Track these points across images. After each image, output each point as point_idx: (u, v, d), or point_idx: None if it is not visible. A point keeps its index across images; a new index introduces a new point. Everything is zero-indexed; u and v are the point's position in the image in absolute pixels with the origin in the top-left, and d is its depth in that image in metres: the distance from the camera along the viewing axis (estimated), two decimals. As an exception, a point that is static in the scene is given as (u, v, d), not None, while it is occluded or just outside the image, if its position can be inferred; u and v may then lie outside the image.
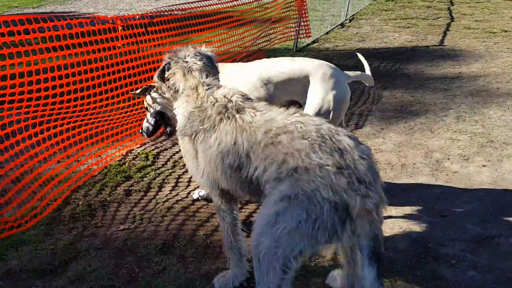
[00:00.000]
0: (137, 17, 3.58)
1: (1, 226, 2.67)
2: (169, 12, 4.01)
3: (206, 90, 2.14)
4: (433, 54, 7.00)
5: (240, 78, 2.85)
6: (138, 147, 4.03)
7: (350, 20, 10.58)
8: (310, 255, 1.72)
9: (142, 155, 3.85)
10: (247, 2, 5.83)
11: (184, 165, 3.60)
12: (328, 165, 1.64)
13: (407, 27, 9.32)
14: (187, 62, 2.24)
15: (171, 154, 3.91)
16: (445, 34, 8.49)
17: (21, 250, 2.63)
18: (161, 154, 3.90)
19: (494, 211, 2.79)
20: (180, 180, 3.45)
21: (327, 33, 9.17)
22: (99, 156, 3.68)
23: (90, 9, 16.91)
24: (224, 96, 2.08)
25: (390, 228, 2.70)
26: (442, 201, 2.96)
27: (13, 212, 2.79)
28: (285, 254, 1.68)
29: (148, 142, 4.13)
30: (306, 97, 2.76)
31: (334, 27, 9.69)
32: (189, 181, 3.41)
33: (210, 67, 2.27)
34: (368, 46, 7.84)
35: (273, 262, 1.70)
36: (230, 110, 2.01)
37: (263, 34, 6.30)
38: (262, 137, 1.85)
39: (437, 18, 10.21)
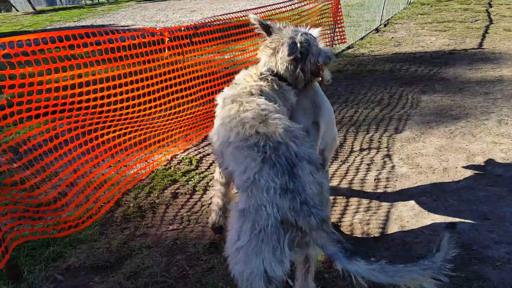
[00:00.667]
0: (182, 28, 3.76)
1: (61, 225, 2.87)
2: (211, 23, 4.17)
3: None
4: (472, 57, 6.89)
5: None
6: (182, 153, 4.20)
7: (385, 25, 10.52)
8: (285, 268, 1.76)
9: (186, 160, 4.01)
10: (283, 11, 5.95)
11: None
12: (275, 187, 1.71)
13: (444, 31, 9.18)
14: None
15: (213, 158, 4.05)
16: (483, 36, 8.32)
17: (79, 248, 2.82)
18: (203, 159, 4.05)
19: (541, 215, 2.77)
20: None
21: (362, 38, 9.16)
22: (146, 161, 3.87)
23: (128, 21, 17.56)
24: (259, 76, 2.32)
25: (433, 231, 2.72)
26: (485, 204, 2.95)
27: (71, 213, 3.00)
28: (257, 274, 1.72)
29: (191, 148, 4.30)
30: None
31: (369, 32, 9.67)
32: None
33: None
34: (404, 50, 7.80)
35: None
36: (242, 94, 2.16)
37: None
38: (233, 139, 1.94)
39: (475, 20, 10.00)
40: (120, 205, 3.31)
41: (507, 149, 3.68)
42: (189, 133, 4.33)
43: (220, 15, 4.56)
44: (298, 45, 2.28)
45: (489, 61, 6.53)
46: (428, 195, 3.12)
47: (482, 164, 3.49)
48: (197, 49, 3.95)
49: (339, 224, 2.89)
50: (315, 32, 2.42)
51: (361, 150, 3.99)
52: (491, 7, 11.60)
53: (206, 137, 4.56)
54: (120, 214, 3.18)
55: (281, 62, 2.31)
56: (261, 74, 2.32)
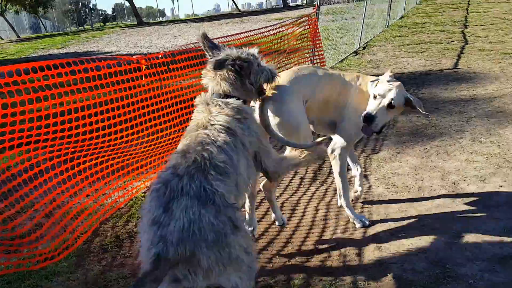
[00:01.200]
0: (160, 56, 3.82)
1: (37, 258, 2.83)
2: (189, 50, 4.25)
3: None
4: (448, 77, 7.08)
5: None
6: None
7: (364, 48, 10.78)
8: None
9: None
10: (266, 35, 6.08)
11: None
12: (147, 218, 1.82)
13: (421, 52, 9.44)
14: None
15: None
16: (459, 57, 8.58)
17: (55, 281, 2.78)
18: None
19: (511, 231, 2.82)
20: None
21: (341, 61, 9.37)
22: (125, 189, 3.86)
23: (112, 47, 17.69)
24: None
25: (408, 249, 2.75)
26: (459, 221, 3.00)
27: (47, 245, 2.96)
28: None
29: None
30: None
31: (348, 55, 9.90)
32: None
33: None
34: (382, 72, 7.97)
35: None
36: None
37: (279, 65, 6.51)
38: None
39: (451, 41, 10.31)
40: (97, 235, 3.28)
41: (480, 167, 3.77)
42: (162, 162, 4.35)
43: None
44: (230, 59, 2.29)
45: (464, 81, 6.72)
46: (404, 215, 3.17)
47: (457, 182, 3.56)
48: (176, 75, 4.01)
49: (318, 246, 2.90)
50: (254, 50, 2.45)
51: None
52: (466, 28, 11.99)
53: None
54: (98, 244, 3.15)
55: (225, 83, 2.30)
56: (210, 103, 2.27)
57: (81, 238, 3.18)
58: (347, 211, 3.14)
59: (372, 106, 2.75)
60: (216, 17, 31.60)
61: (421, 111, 2.73)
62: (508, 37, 10.01)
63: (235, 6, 41.51)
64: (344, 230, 3.06)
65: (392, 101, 2.69)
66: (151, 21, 40.24)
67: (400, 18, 15.52)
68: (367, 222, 3.07)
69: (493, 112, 5.11)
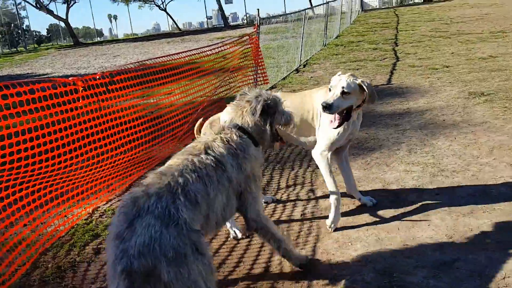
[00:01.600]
0: (98, 77, 3.70)
1: (-34, 297, 2.59)
2: (129, 70, 4.16)
3: None
4: (383, 92, 7.46)
5: None
6: (104, 204, 4.03)
7: (304, 65, 11.13)
8: None
9: (109, 212, 3.85)
10: (208, 54, 6.10)
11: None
12: (112, 233, 1.92)
13: (357, 69, 9.90)
14: None
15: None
16: (392, 73, 9.09)
17: (-12, 321, 2.55)
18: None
19: (450, 236, 2.98)
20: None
21: (284, 78, 9.60)
22: (65, 216, 3.65)
23: (47, 69, 16.94)
24: None
25: (357, 261, 2.82)
26: (401, 230, 3.13)
27: (-22, 282, 2.72)
28: None
29: (114, 199, 4.14)
30: None
31: (290, 73, 10.17)
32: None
33: None
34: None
35: None
36: None
37: (223, 84, 6.55)
38: None
39: (384, 58, 10.92)
40: (37, 266, 3.07)
41: (417, 176, 3.97)
42: (112, 183, 4.18)
43: (147, 60, 4.57)
44: (263, 102, 2.44)
45: (397, 96, 7.12)
46: (349, 226, 3.25)
47: (397, 192, 3.72)
48: (117, 95, 3.90)
49: (269, 263, 2.90)
50: (279, 94, 2.66)
51: (287, 187, 4.09)
52: (397, 45, 12.77)
53: (130, 186, 4.43)
54: (37, 276, 2.95)
55: (249, 117, 2.44)
56: (223, 129, 2.42)
57: (19, 271, 2.96)
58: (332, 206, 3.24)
59: (328, 96, 3.01)
60: (156, 36, 31.32)
61: (369, 92, 3.01)
62: (435, 53, 10.77)
63: (175, 25, 41.40)
64: (294, 244, 3.08)
65: (344, 88, 2.96)
66: (89, 41, 39.04)
67: (336, 37, 16.24)
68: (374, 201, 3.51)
69: (425, 124, 5.44)
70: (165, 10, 41.57)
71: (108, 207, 3.94)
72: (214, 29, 34.32)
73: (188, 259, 1.87)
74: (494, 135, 4.74)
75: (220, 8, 35.87)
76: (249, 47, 7.47)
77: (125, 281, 1.78)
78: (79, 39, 35.45)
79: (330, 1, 15.36)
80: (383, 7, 40.25)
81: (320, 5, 14.16)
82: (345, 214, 3.44)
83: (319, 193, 3.88)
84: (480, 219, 3.13)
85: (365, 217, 3.36)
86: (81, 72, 14.36)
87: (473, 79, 7.57)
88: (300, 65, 11.08)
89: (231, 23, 39.49)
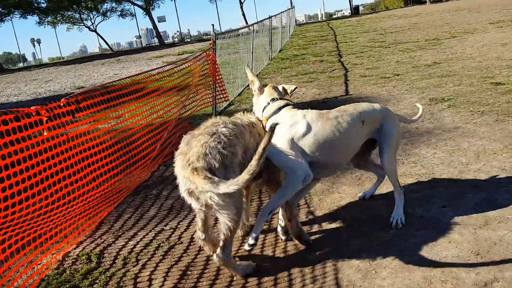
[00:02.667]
0: (62, 104, 3.17)
1: None
2: (95, 94, 3.64)
3: None
4: (344, 103, 7.34)
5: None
6: (74, 248, 3.46)
7: (256, 80, 10.93)
8: None
9: (83, 257, 3.29)
10: (169, 74, 5.65)
11: (139, 260, 3.15)
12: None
13: (310, 81, 9.86)
14: None
15: (117, 249, 3.40)
16: (346, 84, 9.13)
17: None
18: (105, 251, 3.38)
19: (477, 253, 2.80)
20: (139, 280, 2.96)
21: (239, 94, 9.32)
22: (33, 268, 3.05)
23: (-29, 98, 15.31)
24: None
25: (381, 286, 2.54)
26: (424, 251, 2.90)
27: None
28: None
29: (85, 240, 3.57)
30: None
31: (244, 88, 9.91)
32: (150, 279, 2.95)
33: None
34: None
35: None
36: None
37: (187, 103, 6.14)
38: None
39: (333, 70, 11.02)
40: None
41: (416, 189, 3.81)
42: (81, 223, 3.62)
43: (111, 82, 4.05)
44: None
45: (361, 105, 7.08)
46: (364, 250, 2.98)
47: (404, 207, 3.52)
48: (84, 123, 3.38)
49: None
50: None
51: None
52: (341, 57, 13.01)
53: (101, 223, 3.88)
54: None
55: None
56: None
57: None
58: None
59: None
60: (88, 58, 29.87)
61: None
62: (380, 63, 11.05)
63: (107, 46, 39.90)
64: (312, 280, 2.75)
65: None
66: (11, 67, 36.40)
67: (280, 51, 16.33)
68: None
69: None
70: (95, 31, 39.96)
71: (81, 251, 3.37)
72: (149, 48, 33.47)
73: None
74: (473, 140, 4.75)
75: (155, 27, 35.11)
76: (207, 64, 7.10)
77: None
78: (2, 65, 32.91)
79: (273, 16, 15.43)
80: (309, 21, 41.74)
81: (265, 19, 14.13)
82: (351, 237, 3.17)
83: (319, 214, 3.58)
84: (498, 231, 2.98)
85: (380, 237, 3.10)
86: (13, 100, 13.10)
87: (428, 86, 7.76)
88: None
89: (166, 42, 38.76)
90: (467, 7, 24.94)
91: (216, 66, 7.41)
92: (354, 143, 3.17)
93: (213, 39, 7.49)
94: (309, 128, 2.98)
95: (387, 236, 3.12)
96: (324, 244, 3.14)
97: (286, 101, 3.27)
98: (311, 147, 2.96)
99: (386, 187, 3.85)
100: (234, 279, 2.85)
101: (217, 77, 7.40)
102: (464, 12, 21.84)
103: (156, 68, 5.52)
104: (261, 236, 3.34)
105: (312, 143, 2.96)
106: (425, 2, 30.70)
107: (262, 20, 13.98)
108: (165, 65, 5.81)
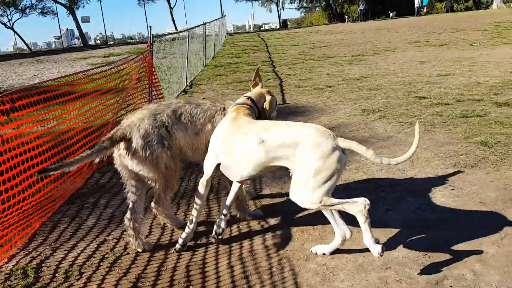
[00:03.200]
0: (-3, 101, 2.84)
1: None
2: (32, 93, 3.33)
3: None
4: (283, 111, 7.53)
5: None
6: (6, 262, 3.10)
7: (190, 86, 10.79)
8: None
9: (18, 272, 2.97)
10: (106, 74, 5.34)
11: (83, 273, 2.91)
12: None
13: (247, 89, 9.89)
14: None
15: (56, 262, 3.11)
16: (282, 93, 9.31)
17: None
18: (43, 265, 3.07)
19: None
20: (84, 295, 2.73)
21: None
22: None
23: None
24: None
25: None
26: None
27: None
28: None
29: (19, 253, 3.23)
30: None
31: (180, 93, 9.72)
32: (97, 294, 2.73)
33: None
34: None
35: None
36: None
37: (124, 105, 5.85)
38: None
39: (268, 79, 11.19)
40: None
41: (361, 195, 3.96)
42: (14, 235, 3.26)
43: (46, 81, 3.71)
44: None
45: (299, 114, 7.26)
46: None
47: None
48: (20, 125, 3.06)
49: None
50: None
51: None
52: (275, 67, 13.28)
53: (35, 234, 3.55)
54: None
55: None
56: None
57: None
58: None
59: None
60: (3, 57, 27.47)
61: None
62: (312, 74, 11.46)
63: (24, 45, 37.10)
64: (272, 284, 2.72)
65: None
66: None
67: (213, 58, 16.29)
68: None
69: (339, 141, 5.57)
70: (12, 28, 36.94)
71: (14, 265, 3.03)
72: (72, 49, 31.67)
73: None
74: (406, 148, 4.97)
75: (78, 27, 33.32)
76: (144, 67, 6.85)
77: None
78: None
79: (207, 23, 15.36)
80: (238, 31, 42.36)
81: (199, 25, 13.99)
82: (306, 241, 3.20)
83: (273, 222, 3.57)
84: (441, 232, 3.19)
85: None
86: None
87: (359, 98, 8.17)
88: (186, 86, 10.70)
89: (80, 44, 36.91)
90: (386, 27, 26.80)
91: (153, 69, 7.18)
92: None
93: (150, 41, 7.26)
94: None
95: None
96: (279, 249, 3.14)
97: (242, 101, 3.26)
98: None
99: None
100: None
101: (154, 81, 7.16)
102: (384, 32, 23.45)
103: (93, 68, 5.21)
104: (214, 245, 3.26)
105: None
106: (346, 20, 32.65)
107: (198, 26, 13.84)
108: (104, 65, 5.50)
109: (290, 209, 3.74)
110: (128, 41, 46.13)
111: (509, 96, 7.19)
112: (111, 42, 41.69)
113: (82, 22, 36.69)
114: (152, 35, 7.31)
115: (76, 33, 37.04)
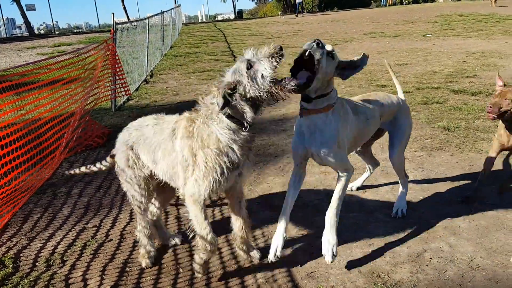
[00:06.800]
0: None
1: None
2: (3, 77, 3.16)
3: None
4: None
5: None
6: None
7: (151, 76, 10.58)
8: None
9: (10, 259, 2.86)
10: (72, 62, 5.14)
11: (66, 261, 2.85)
12: None
13: (210, 79, 9.86)
14: None
15: (35, 252, 3.01)
16: (246, 82, 9.32)
17: None
18: (21, 255, 2.97)
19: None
20: (71, 281, 2.66)
21: (136, 89, 8.89)
22: None
23: None
24: None
25: (338, 268, 2.68)
26: (362, 230, 3.13)
27: None
28: None
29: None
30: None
31: (141, 83, 9.50)
32: (85, 279, 2.66)
33: None
34: (186, 99, 7.93)
35: None
36: None
37: (91, 94, 5.67)
38: None
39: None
40: None
41: (333, 178, 4.08)
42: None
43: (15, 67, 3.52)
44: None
45: (266, 102, 7.31)
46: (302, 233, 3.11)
47: (328, 193, 3.74)
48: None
49: None
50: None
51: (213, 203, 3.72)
52: (235, 57, 13.24)
53: (7, 225, 3.40)
54: None
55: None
56: None
57: None
58: None
59: None
60: None
61: None
62: (274, 64, 11.53)
63: (-39, 33, 34.62)
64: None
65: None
66: None
67: (171, 48, 16.01)
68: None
69: (309, 128, 5.69)
70: None
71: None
72: (17, 38, 29.97)
73: None
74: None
75: (24, 15, 31.53)
76: (108, 55, 6.64)
77: None
78: None
79: (165, 11, 15.04)
80: (190, 22, 41.78)
81: (157, 14, 13.67)
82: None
83: (253, 205, 3.62)
84: (417, 211, 3.36)
85: (297, 220, 3.26)
86: None
87: (322, 86, 8.34)
88: (147, 76, 10.47)
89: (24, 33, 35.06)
90: (341, 18, 27.39)
91: (117, 57, 6.98)
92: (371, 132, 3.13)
93: (113, 28, 7.04)
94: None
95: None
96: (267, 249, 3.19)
97: None
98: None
99: (312, 177, 4.04)
100: (181, 270, 2.73)
101: (118, 69, 6.97)
102: (340, 23, 23.95)
103: (57, 56, 5.00)
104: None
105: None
106: (300, 12, 33.06)
107: (157, 14, 13.53)
108: (68, 53, 5.28)
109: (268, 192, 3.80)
110: (75, 30, 44.12)
111: (463, 84, 7.62)
112: (57, 32, 39.80)
113: (27, 10, 34.73)
114: (116, 22, 7.09)
115: (18, 22, 35.08)
